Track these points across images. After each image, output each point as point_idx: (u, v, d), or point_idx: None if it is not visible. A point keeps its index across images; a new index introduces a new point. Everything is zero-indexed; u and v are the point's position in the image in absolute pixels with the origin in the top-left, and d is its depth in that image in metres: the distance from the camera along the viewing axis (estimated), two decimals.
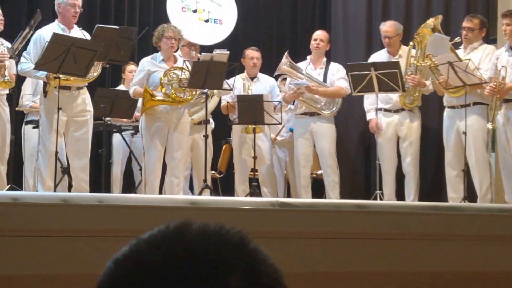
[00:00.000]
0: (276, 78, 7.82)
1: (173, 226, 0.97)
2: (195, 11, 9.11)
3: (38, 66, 6.10)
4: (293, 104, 7.76)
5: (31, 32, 6.51)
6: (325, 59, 7.70)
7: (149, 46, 7.86)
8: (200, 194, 6.81)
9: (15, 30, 6.85)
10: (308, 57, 7.70)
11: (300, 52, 8.37)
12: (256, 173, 7.70)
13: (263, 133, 7.60)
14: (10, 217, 3.48)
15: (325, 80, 7.58)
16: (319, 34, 7.73)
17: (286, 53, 7.62)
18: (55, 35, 6.06)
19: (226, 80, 7.08)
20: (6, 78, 6.37)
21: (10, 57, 6.37)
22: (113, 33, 6.56)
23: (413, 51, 7.21)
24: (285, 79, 7.72)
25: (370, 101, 7.37)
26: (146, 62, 6.94)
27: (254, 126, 7.35)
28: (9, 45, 6.47)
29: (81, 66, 6.13)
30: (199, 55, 7.36)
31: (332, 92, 7.56)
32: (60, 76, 6.22)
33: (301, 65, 7.64)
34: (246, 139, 7.56)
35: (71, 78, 6.35)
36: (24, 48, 6.62)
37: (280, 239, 3.76)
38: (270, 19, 9.93)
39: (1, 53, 6.33)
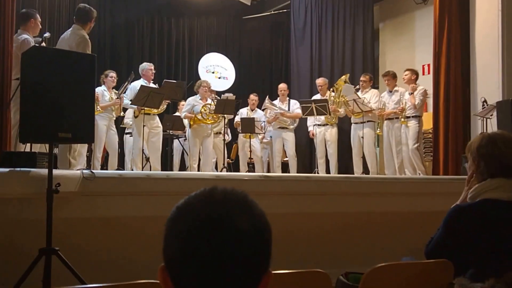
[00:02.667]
0: (262, 109, 9.33)
1: (208, 189, 1.17)
2: (213, 72, 11.71)
3: (133, 103, 7.77)
4: (271, 124, 9.19)
5: (128, 84, 8.14)
6: (288, 98, 9.35)
7: (191, 92, 9.43)
8: (221, 171, 8.44)
9: (119, 83, 8.62)
10: (278, 98, 9.40)
11: (273, 94, 9.92)
12: (251, 159, 9.07)
13: (256, 138, 9.06)
14: (120, 185, 4.05)
15: (288, 109, 9.15)
16: (282, 86, 9.38)
17: (267, 97, 9.25)
18: (142, 87, 7.72)
19: (241, 110, 8.75)
20: (121, 114, 8.39)
21: (118, 98, 8.09)
22: (173, 84, 8.30)
23: (333, 94, 8.95)
24: (265, 109, 9.27)
25: (310, 121, 9.21)
26: (192, 99, 8.63)
27: (249, 134, 8.89)
28: (116, 91, 8.32)
29: (156, 103, 7.74)
30: (217, 96, 9.16)
31: (293, 116, 9.05)
32: (144, 108, 7.79)
33: (275, 102, 9.27)
34: (246, 142, 8.98)
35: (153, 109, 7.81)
36: (125, 93, 8.22)
37: (265, 195, 4.21)
38: (259, 73, 12.11)
39: (115, 101, 8.10)
